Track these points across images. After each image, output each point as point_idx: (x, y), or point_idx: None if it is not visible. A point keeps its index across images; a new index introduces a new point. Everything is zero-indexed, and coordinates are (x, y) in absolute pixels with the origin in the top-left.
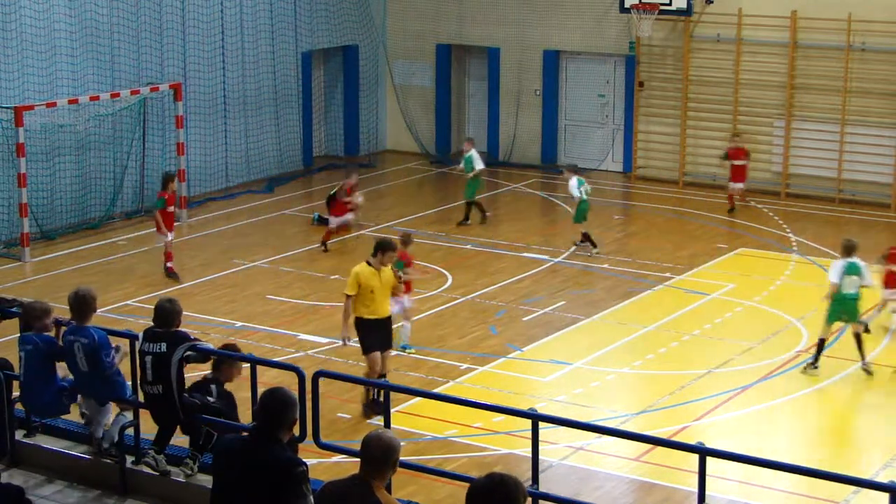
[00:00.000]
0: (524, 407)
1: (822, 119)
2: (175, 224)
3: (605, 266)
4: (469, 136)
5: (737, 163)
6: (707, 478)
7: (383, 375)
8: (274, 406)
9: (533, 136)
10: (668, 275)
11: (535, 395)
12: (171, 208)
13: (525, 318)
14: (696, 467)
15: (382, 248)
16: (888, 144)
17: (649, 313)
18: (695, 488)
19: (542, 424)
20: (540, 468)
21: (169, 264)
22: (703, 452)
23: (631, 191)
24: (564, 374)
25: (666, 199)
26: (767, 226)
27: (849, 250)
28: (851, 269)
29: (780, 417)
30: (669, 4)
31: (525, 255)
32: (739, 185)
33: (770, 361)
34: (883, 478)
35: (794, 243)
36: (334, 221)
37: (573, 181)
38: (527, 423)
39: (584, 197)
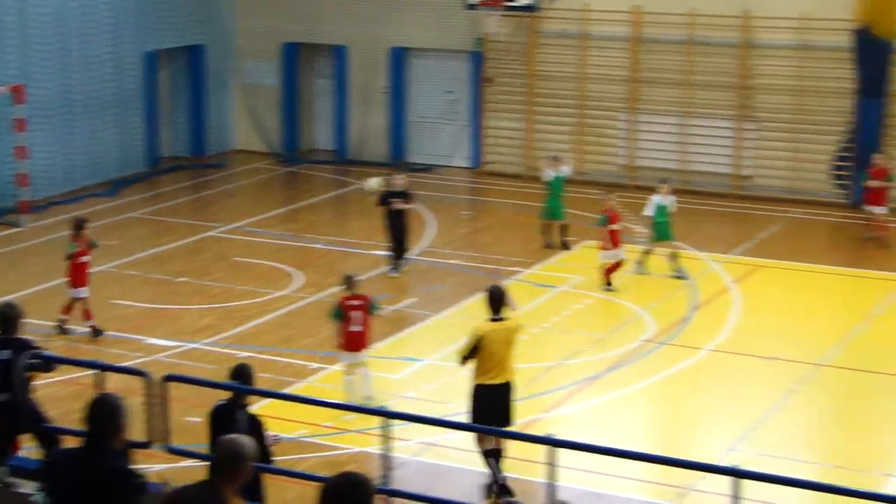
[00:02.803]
0: (375, 405)
1: (666, 112)
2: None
3: (455, 262)
4: (554, 155)
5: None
6: (559, 469)
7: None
8: (101, 413)
9: (381, 133)
10: (517, 269)
11: (385, 392)
12: (86, 257)
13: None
14: (549, 459)
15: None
16: (728, 136)
17: None
18: (548, 480)
19: (393, 421)
20: (391, 465)
21: (90, 323)
22: (554, 444)
23: (479, 186)
24: (415, 370)
25: (514, 194)
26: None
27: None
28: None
29: (629, 406)
30: (515, 0)
31: (374, 252)
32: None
33: (618, 352)
34: (728, 462)
35: (641, 235)
36: None
37: (655, 198)
38: (378, 421)
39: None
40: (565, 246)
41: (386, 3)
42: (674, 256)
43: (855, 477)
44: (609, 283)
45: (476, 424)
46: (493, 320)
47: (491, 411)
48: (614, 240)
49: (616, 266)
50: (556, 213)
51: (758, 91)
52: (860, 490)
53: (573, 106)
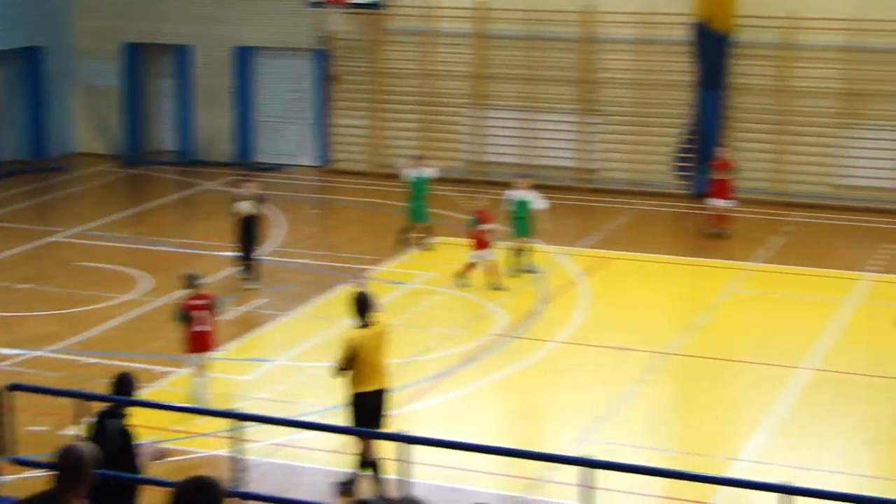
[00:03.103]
0: (226, 407)
1: (512, 107)
2: None
3: (304, 261)
4: (417, 155)
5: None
6: (413, 465)
7: None
8: (65, 465)
9: (228, 133)
10: (367, 266)
11: (237, 394)
12: None
13: (224, 317)
14: (402, 456)
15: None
16: (572, 130)
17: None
18: (403, 477)
19: (244, 423)
20: (243, 467)
21: None
22: (407, 440)
23: (328, 185)
24: (266, 371)
25: (363, 192)
26: (463, 213)
27: None
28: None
29: (482, 401)
30: None
31: (221, 254)
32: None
33: (469, 346)
34: (579, 452)
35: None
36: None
37: (513, 194)
38: (229, 424)
39: None
40: (420, 245)
41: (229, 2)
42: (521, 252)
43: (700, 462)
44: (463, 279)
45: (331, 424)
46: (363, 326)
47: (372, 418)
48: (483, 241)
49: (482, 266)
50: (418, 215)
51: (601, 85)
52: (708, 475)
53: (420, 103)
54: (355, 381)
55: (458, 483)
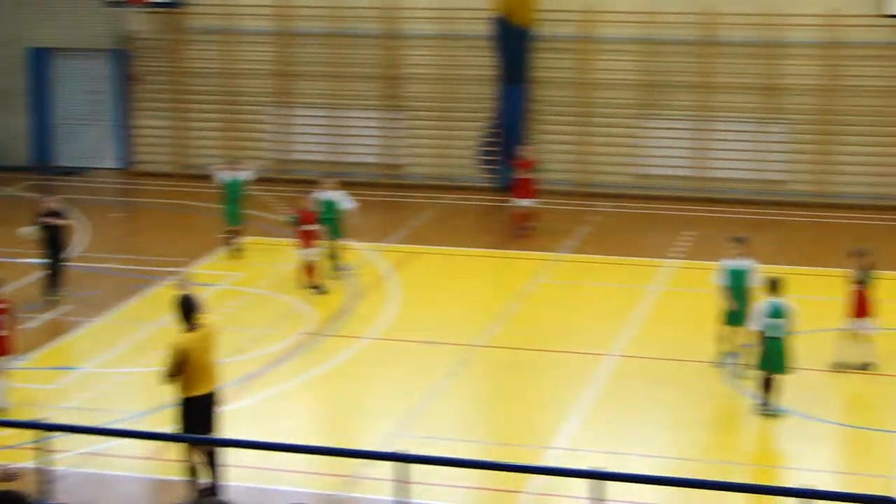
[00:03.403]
0: (31, 417)
1: (317, 105)
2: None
3: (110, 265)
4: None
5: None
6: (225, 468)
7: None
8: None
9: (24, 137)
10: (174, 269)
11: (43, 403)
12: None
13: (29, 326)
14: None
15: None
16: (378, 126)
17: (157, 309)
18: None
19: (50, 434)
20: (51, 479)
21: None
22: (216, 443)
23: (131, 187)
24: (73, 379)
25: (168, 193)
26: (271, 213)
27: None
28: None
29: (294, 400)
30: None
31: (24, 261)
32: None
33: (279, 346)
34: (393, 447)
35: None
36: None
37: (321, 194)
38: (35, 435)
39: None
40: (230, 246)
41: (20, 2)
42: (334, 253)
43: (515, 452)
44: (316, 286)
45: (142, 431)
46: (191, 329)
47: (203, 422)
48: (308, 239)
49: (313, 266)
50: (233, 218)
51: (405, 81)
52: (521, 465)
53: (223, 102)
54: (186, 385)
55: (273, 484)
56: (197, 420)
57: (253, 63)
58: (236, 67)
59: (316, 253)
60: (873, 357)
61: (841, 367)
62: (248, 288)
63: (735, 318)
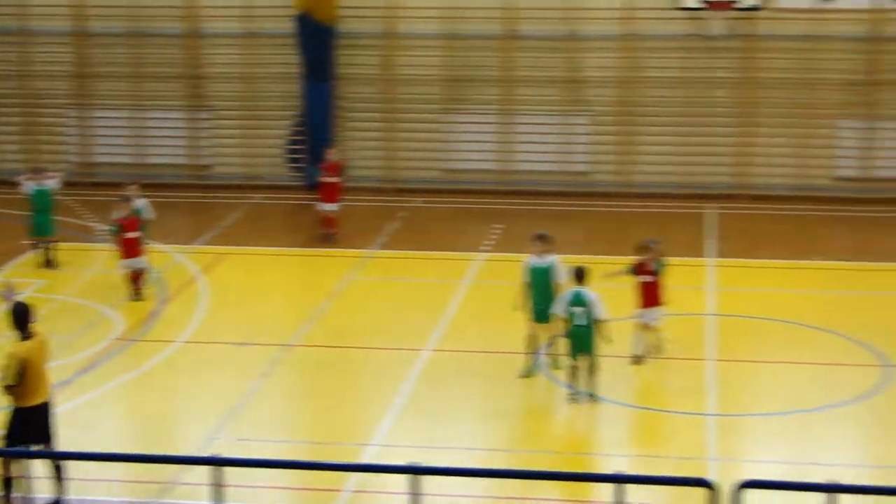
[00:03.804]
0: None
1: (118, 106)
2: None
3: None
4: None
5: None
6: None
7: None
8: None
9: None
10: None
11: None
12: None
13: None
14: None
15: None
16: (183, 126)
17: None
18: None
19: None
20: None
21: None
22: (21, 456)
23: None
24: None
25: None
26: (78, 218)
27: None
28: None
29: (105, 407)
30: None
31: None
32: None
33: (87, 353)
34: (209, 452)
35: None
36: None
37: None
38: None
39: None
40: (50, 264)
41: None
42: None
43: (332, 450)
44: (137, 294)
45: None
46: (26, 338)
47: (40, 432)
48: (131, 248)
49: (138, 274)
50: (43, 229)
51: (209, 80)
52: (338, 463)
53: (21, 105)
54: (23, 395)
55: (87, 494)
56: (34, 430)
57: (51, 64)
58: (34, 69)
59: (141, 261)
60: (663, 343)
61: (638, 359)
62: (56, 295)
63: (541, 315)
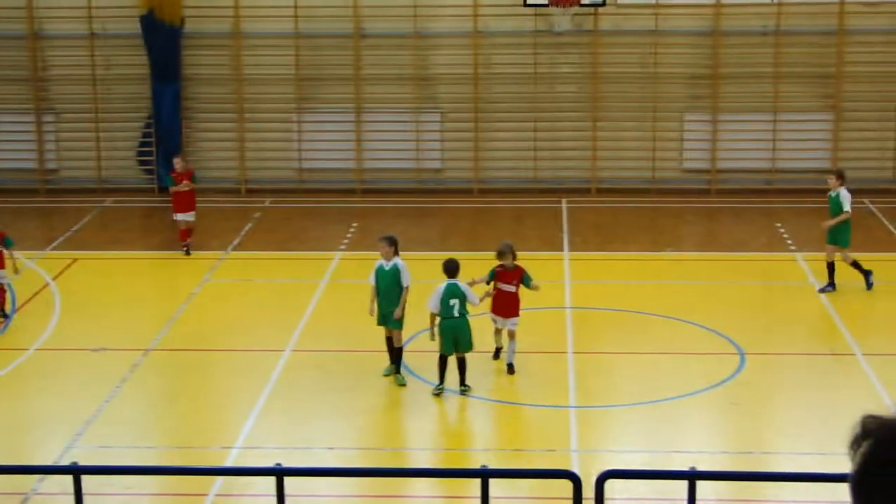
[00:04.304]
0: None
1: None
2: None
3: None
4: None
5: None
6: None
7: None
8: None
9: None
10: None
11: None
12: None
13: None
14: None
15: None
16: (26, 130)
17: None
18: None
19: None
20: None
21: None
22: None
23: None
24: None
25: None
26: None
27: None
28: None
29: None
30: None
31: None
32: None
33: None
34: (67, 460)
35: None
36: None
37: (845, 192)
38: None
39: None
40: None
41: None
42: None
43: (197, 454)
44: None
45: None
46: None
47: None
48: None
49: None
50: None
51: (53, 83)
52: (201, 467)
53: None
54: None
55: None
56: None
57: None
58: None
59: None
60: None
61: (511, 367)
62: None
63: (386, 318)
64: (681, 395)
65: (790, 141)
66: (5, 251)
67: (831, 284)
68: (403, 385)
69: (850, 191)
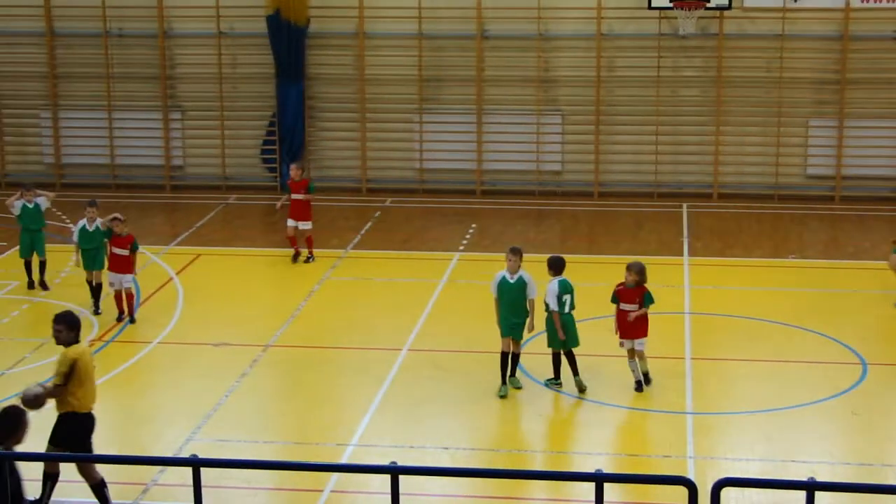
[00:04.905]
0: None
1: (89, 107)
2: None
3: None
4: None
5: None
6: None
7: None
8: None
9: None
10: None
11: None
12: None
13: None
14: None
15: None
16: (154, 127)
17: None
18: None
19: None
20: None
21: None
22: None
23: None
24: None
25: None
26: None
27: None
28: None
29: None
30: None
31: None
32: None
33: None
34: (186, 452)
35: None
36: None
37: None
38: None
39: None
40: (42, 285)
41: None
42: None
43: (313, 450)
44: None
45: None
46: (77, 343)
47: (86, 440)
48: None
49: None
50: (32, 250)
51: (179, 81)
52: (319, 464)
53: None
54: (76, 399)
55: (66, 496)
56: (83, 437)
57: (18, 65)
58: (3, 70)
59: None
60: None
61: (639, 385)
62: (25, 296)
63: (512, 330)
64: (800, 404)
65: None
66: (133, 255)
67: None
68: (519, 388)
69: None
